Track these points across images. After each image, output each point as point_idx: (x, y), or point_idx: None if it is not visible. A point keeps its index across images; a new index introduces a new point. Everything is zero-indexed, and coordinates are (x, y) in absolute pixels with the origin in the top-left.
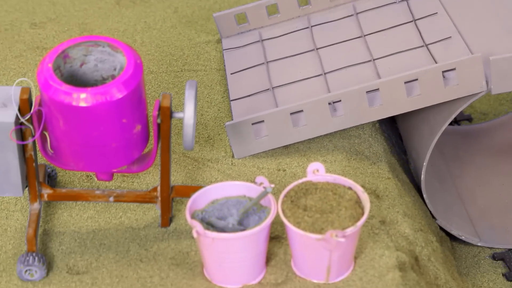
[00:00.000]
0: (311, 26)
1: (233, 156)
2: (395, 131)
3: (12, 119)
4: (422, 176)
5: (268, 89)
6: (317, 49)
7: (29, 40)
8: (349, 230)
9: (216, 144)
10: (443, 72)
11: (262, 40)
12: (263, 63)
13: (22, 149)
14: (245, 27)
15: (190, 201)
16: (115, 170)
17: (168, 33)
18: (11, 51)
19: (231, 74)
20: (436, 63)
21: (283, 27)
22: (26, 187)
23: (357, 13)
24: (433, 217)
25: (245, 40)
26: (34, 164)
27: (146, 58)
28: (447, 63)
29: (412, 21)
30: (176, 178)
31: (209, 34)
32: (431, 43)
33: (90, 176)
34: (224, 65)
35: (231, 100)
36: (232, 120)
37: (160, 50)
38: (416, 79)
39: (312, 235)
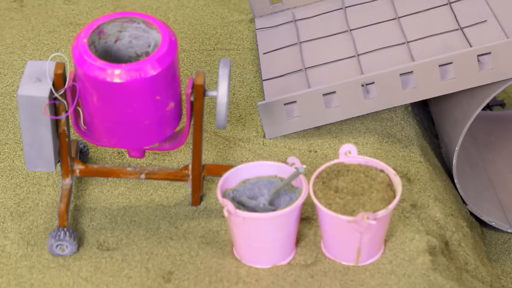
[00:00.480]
0: (345, 7)
1: (264, 136)
2: (427, 114)
3: (46, 93)
4: (454, 161)
5: (301, 69)
6: (350, 30)
7: (62, 15)
8: (381, 213)
9: (248, 124)
10: (478, 56)
11: (295, 20)
12: (296, 43)
13: (55, 124)
14: (278, 6)
15: (221, 180)
16: (147, 147)
17: (201, 12)
18: (45, 27)
19: (264, 54)
20: (471, 46)
21: (316, 7)
22: (58, 162)
23: None
24: (463, 202)
25: (278, 20)
26: (67, 140)
27: (179, 36)
28: (482, 47)
29: (447, 3)
30: (207, 156)
31: (242, 13)
32: (466, 27)
33: (122, 153)
34: (257, 45)
35: (263, 80)
36: (264, 100)
37: (193, 29)
38: (451, 63)
39: (343, 217)
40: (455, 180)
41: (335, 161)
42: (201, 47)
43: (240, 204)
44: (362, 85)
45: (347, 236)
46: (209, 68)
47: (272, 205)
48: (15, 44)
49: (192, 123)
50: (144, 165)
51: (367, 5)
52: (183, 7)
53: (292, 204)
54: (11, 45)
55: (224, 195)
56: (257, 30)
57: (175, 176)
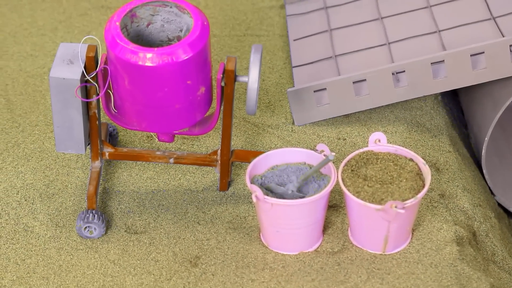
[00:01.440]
0: None
1: (293, 123)
2: (457, 104)
3: (78, 76)
4: (483, 152)
5: (331, 57)
6: (381, 18)
7: None
8: (409, 202)
9: (277, 110)
10: (510, 46)
11: (327, 8)
12: (326, 30)
13: (86, 107)
14: None
15: (250, 166)
16: (176, 132)
17: None
18: (76, 9)
19: (294, 40)
20: (503, 36)
21: None
22: (88, 145)
23: None
24: (492, 193)
25: (309, 7)
26: (97, 122)
27: (210, 22)
28: None
29: None
30: (236, 142)
31: (272, 0)
32: (498, 16)
33: (150, 136)
34: (287, 31)
35: (293, 67)
36: (294, 86)
37: (224, 14)
38: (482, 52)
39: (372, 205)
40: (484, 171)
41: (364, 149)
42: (231, 33)
43: (268, 190)
44: (393, 74)
45: (375, 225)
46: (239, 54)
47: (301, 192)
48: (47, 26)
49: (222, 108)
50: (173, 149)
51: None
52: None
53: (321, 192)
54: (42, 28)
55: (252, 181)
56: (287, 17)
57: (204, 161)
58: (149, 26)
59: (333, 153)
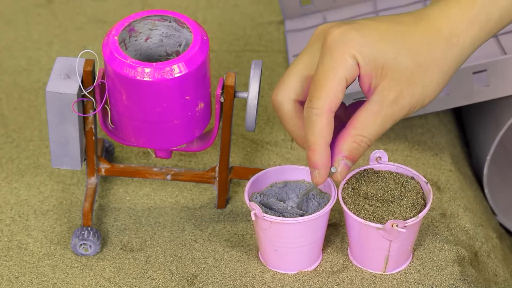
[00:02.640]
0: (377, 11)
1: (292, 140)
2: (458, 122)
3: (74, 91)
4: (485, 171)
5: None
6: None
7: (90, 13)
8: (410, 221)
9: (276, 127)
10: None
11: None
12: None
13: (83, 122)
14: (309, 8)
15: (249, 183)
16: (174, 148)
17: (230, 12)
18: (72, 23)
19: (293, 56)
20: (505, 54)
21: (348, 10)
22: (84, 160)
23: (425, 0)
24: (493, 213)
25: (309, 22)
26: (93, 138)
27: (208, 37)
28: None
29: None
30: (234, 159)
31: (272, 15)
32: (500, 34)
33: (147, 152)
34: (287, 47)
35: None
36: None
37: (222, 29)
38: (485, 70)
39: (372, 224)
40: (485, 190)
41: (365, 167)
42: (229, 48)
43: (267, 207)
44: None
45: (376, 244)
46: (237, 69)
47: (300, 209)
48: (42, 40)
49: (220, 124)
50: (170, 166)
51: (400, 10)
52: (212, 7)
53: (321, 210)
54: (38, 42)
55: (251, 199)
56: (287, 32)
57: (202, 178)
58: (148, 41)
59: (334, 167)
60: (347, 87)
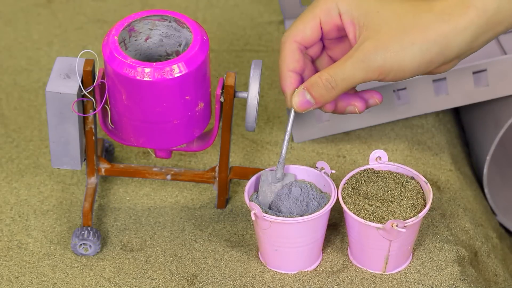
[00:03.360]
0: None
1: (292, 140)
2: (458, 122)
3: (74, 91)
4: (485, 171)
5: None
6: None
7: (90, 12)
8: (410, 221)
9: (276, 127)
10: None
11: None
12: None
13: (83, 122)
14: None
15: (249, 183)
16: (174, 148)
17: (230, 12)
18: (72, 23)
19: None
20: (505, 54)
21: None
22: (84, 160)
23: None
24: (493, 212)
25: None
26: (93, 138)
27: (208, 37)
28: None
29: None
30: (234, 159)
31: (272, 15)
32: None
33: (147, 152)
34: None
35: None
36: None
37: (222, 29)
38: (485, 70)
39: (372, 224)
40: (485, 190)
41: (365, 167)
42: (229, 48)
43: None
44: (394, 91)
45: (375, 244)
46: (237, 69)
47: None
48: (42, 40)
49: (220, 124)
50: (170, 166)
51: None
52: (212, 7)
53: (321, 210)
54: (37, 41)
55: (251, 199)
56: None
57: (202, 178)
58: (148, 41)
59: (333, 171)
60: (323, 30)
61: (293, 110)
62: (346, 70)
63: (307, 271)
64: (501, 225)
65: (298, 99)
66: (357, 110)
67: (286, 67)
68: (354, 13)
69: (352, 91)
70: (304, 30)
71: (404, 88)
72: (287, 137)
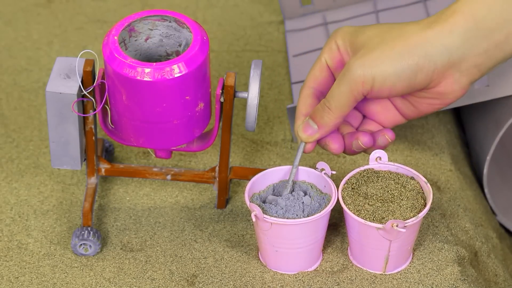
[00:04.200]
0: (377, 11)
1: (292, 140)
2: (458, 122)
3: (74, 91)
4: (485, 171)
5: None
6: None
7: (90, 12)
8: (410, 221)
9: (276, 127)
10: None
11: (326, 23)
12: None
13: (83, 122)
14: (309, 8)
15: (249, 184)
16: (174, 148)
17: (230, 12)
18: (72, 23)
19: (293, 56)
20: None
21: (348, 10)
22: (84, 160)
23: (425, 0)
24: (493, 213)
25: (309, 22)
26: (93, 138)
27: (208, 37)
28: None
29: None
30: (234, 159)
31: (272, 15)
32: None
33: (147, 152)
34: (287, 47)
35: (293, 83)
36: (293, 103)
37: (222, 29)
38: None
39: (373, 224)
40: (485, 190)
41: (365, 167)
42: (229, 48)
43: (267, 203)
44: None
45: (376, 244)
46: (237, 70)
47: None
48: (42, 40)
49: (220, 124)
50: (170, 166)
51: (399, 10)
52: (212, 7)
53: (321, 210)
54: (37, 41)
55: (251, 200)
56: (287, 32)
57: (202, 178)
58: (148, 41)
59: (333, 172)
60: (330, 67)
61: (301, 145)
62: (334, 88)
63: (308, 271)
64: (501, 225)
65: (302, 126)
66: (360, 143)
67: (299, 112)
68: (347, 42)
69: (366, 130)
70: (314, 73)
71: None
72: (294, 170)
